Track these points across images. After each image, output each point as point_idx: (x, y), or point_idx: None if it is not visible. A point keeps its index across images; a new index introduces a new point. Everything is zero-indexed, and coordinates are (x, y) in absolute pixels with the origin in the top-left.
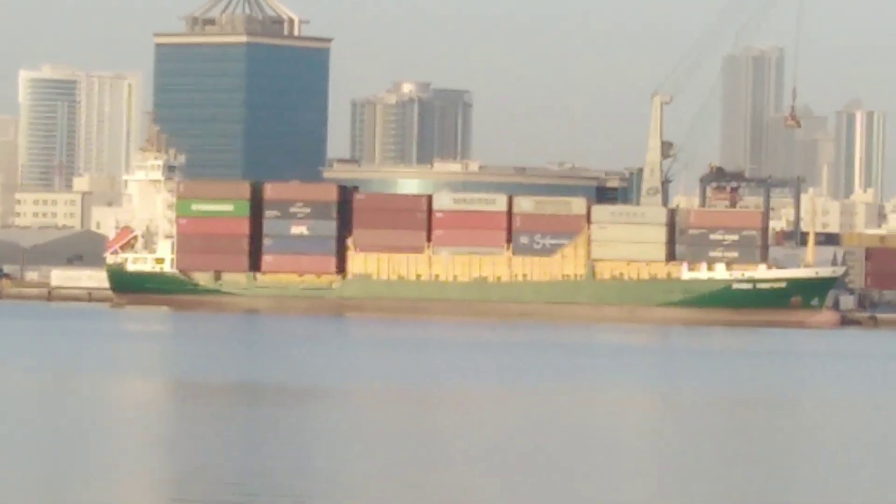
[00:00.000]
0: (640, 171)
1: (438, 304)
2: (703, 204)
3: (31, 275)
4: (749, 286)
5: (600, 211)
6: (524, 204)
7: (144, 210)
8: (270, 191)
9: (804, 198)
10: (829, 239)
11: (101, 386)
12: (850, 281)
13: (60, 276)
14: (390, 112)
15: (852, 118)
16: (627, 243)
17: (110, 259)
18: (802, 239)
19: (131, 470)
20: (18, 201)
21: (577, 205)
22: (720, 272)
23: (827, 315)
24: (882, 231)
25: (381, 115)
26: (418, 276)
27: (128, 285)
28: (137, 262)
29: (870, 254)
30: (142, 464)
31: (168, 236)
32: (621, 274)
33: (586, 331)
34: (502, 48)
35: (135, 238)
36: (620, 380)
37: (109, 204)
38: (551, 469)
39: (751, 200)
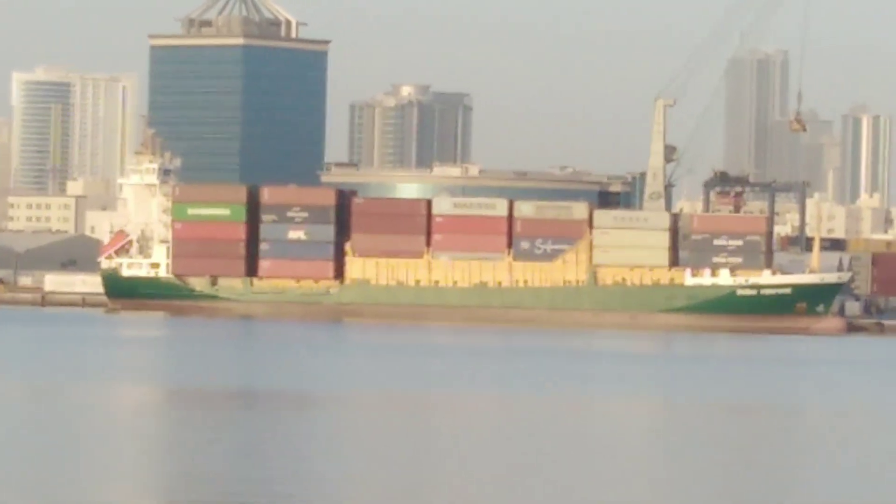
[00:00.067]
0: (643, 175)
1: (438, 309)
2: (706, 209)
3: (25, 280)
4: (753, 292)
5: (602, 216)
6: (525, 208)
7: (139, 214)
8: (267, 195)
9: (809, 203)
10: (834, 244)
11: (96, 392)
12: (855, 287)
13: (54, 281)
14: (389, 115)
15: (858, 122)
16: (630, 249)
17: (105, 264)
18: (807, 244)
19: (126, 476)
20: (11, 205)
21: (579, 209)
22: (724, 278)
23: (832, 321)
24: (888, 236)
25: (380, 118)
26: (417, 281)
27: (122, 290)
28: (132, 267)
29: (876, 259)
30: (136, 470)
31: (163, 241)
32: (624, 280)
33: (588, 337)
34: (503, 50)
35: (130, 243)
36: (622, 387)
37: (104, 208)
38: (550, 476)
39: (755, 205)
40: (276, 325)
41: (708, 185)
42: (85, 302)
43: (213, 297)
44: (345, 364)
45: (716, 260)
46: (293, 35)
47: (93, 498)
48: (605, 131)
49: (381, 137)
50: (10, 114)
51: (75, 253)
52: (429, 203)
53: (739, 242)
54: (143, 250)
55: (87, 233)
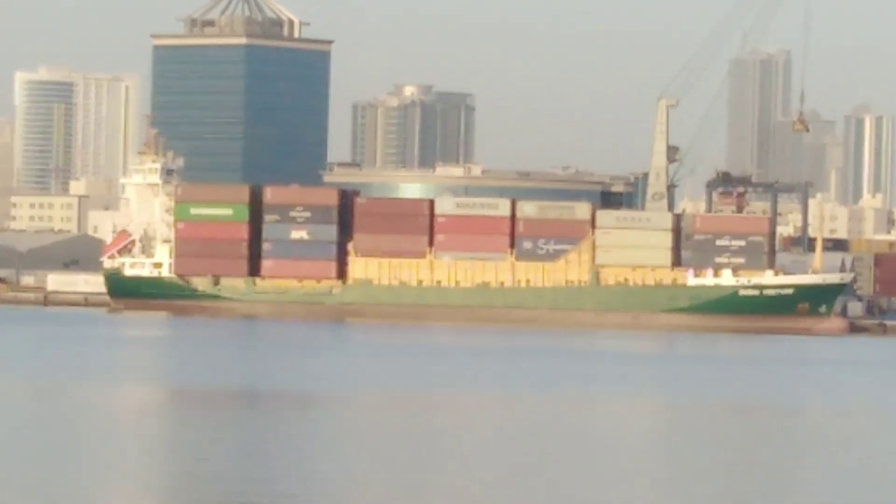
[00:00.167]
0: (646, 175)
1: (440, 309)
2: (709, 209)
3: (27, 279)
4: (756, 292)
5: (605, 216)
6: (528, 209)
7: (142, 214)
8: (270, 195)
9: (812, 203)
10: (837, 245)
11: (98, 392)
12: (858, 287)
13: (57, 281)
14: (392, 115)
15: (861, 123)
16: (632, 249)
17: (107, 263)
18: (810, 245)
19: (128, 476)
20: (14, 205)
21: (582, 210)
22: (726, 278)
23: (835, 322)
24: (891, 237)
25: (383, 118)
26: (420, 281)
27: (125, 290)
28: (135, 267)
29: (878, 260)
30: (139, 470)
31: (166, 241)
32: (626, 280)
33: (590, 337)
34: (505, 50)
35: (132, 242)
36: (624, 387)
37: (106, 208)
38: (553, 476)
39: (758, 206)
40: (279, 325)
41: (710, 186)
42: (87, 302)
43: (216, 297)
44: (347, 364)
45: (718, 260)
46: (296, 35)
47: (95, 498)
48: (608, 131)
49: (384, 137)
50: (12, 113)
51: (78, 253)
52: (431, 203)
53: (742, 243)
54: (146, 250)
55: (90, 232)
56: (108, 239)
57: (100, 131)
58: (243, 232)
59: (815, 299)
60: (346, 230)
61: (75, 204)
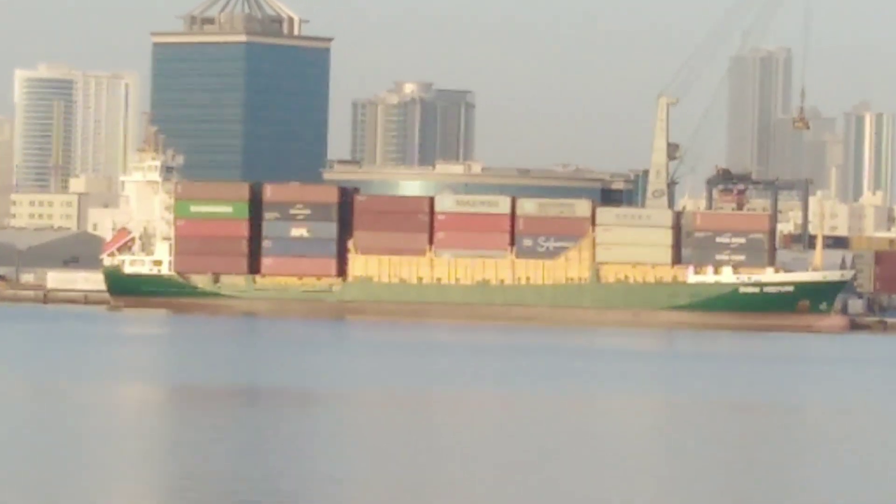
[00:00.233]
0: (646, 172)
1: (440, 307)
2: (709, 206)
3: (27, 277)
4: (756, 290)
5: (605, 213)
6: (528, 206)
7: (142, 212)
8: (270, 192)
9: (812, 200)
10: (837, 242)
11: (98, 390)
12: (858, 285)
13: (56, 279)
14: (392, 113)
15: (861, 120)
16: (633, 246)
17: (107, 261)
18: (810, 242)
19: (128, 475)
20: (14, 202)
21: (582, 207)
22: (727, 275)
23: (835, 319)
24: (891, 234)
25: (383, 115)
26: (420, 278)
27: (125, 288)
28: (135, 265)
29: (879, 257)
30: (139, 468)
31: (166, 238)
32: (626, 277)
33: (590, 335)
34: (506, 48)
35: (132, 240)
36: (625, 384)
37: (106, 205)
38: (553, 473)
39: (758, 203)
40: (279, 322)
41: (711, 183)
42: (87, 299)
43: (216, 295)
44: (347, 361)
45: (718, 257)
46: (296, 32)
47: (96, 496)
48: (608, 129)
49: (384, 135)
50: (12, 111)
51: (77, 250)
52: (431, 200)
53: (742, 240)
54: (146, 248)
55: (90, 230)
56: (108, 236)
57: (99, 129)
58: (243, 229)
59: (816, 297)
60: (346, 227)
61: (75, 201)
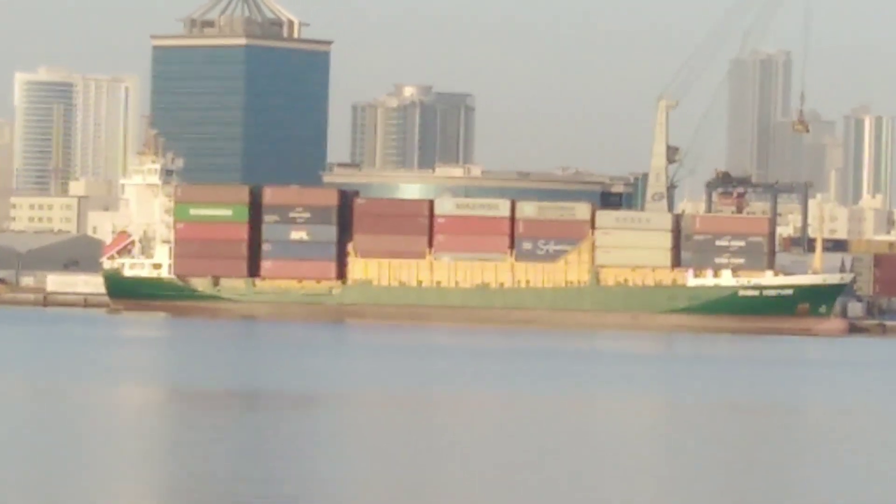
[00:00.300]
0: (646, 176)
1: (440, 310)
2: (709, 209)
3: (27, 280)
4: (755, 293)
5: (605, 216)
6: (527, 209)
7: (142, 215)
8: (270, 195)
9: (812, 203)
10: (836, 245)
11: (98, 393)
12: (858, 288)
13: (56, 282)
14: (391, 116)
15: (861, 123)
16: (632, 249)
17: (107, 264)
18: (810, 245)
19: (128, 477)
20: (14, 205)
21: (582, 210)
22: (726, 279)
23: (835, 323)
24: (891, 237)
25: (382, 118)
26: (420, 282)
27: (124, 291)
28: (134, 268)
29: (878, 260)
30: (139, 471)
31: (166, 241)
32: (626, 280)
33: (590, 338)
34: (505, 51)
35: (132, 243)
36: (624, 387)
37: (106, 208)
38: (553, 476)
39: (757, 206)
40: (278, 325)
41: (710, 186)
42: (87, 302)
43: (216, 298)
44: (347, 365)
45: (718, 261)
46: (295, 35)
47: (95, 498)
48: (608, 132)
49: (384, 138)
50: (12, 114)
51: (77, 253)
52: (431, 204)
53: (741, 243)
54: (146, 251)
55: (90, 233)
56: (108, 240)
57: (99, 132)
58: (243, 232)
59: (815, 300)
60: (345, 231)
61: (75, 205)
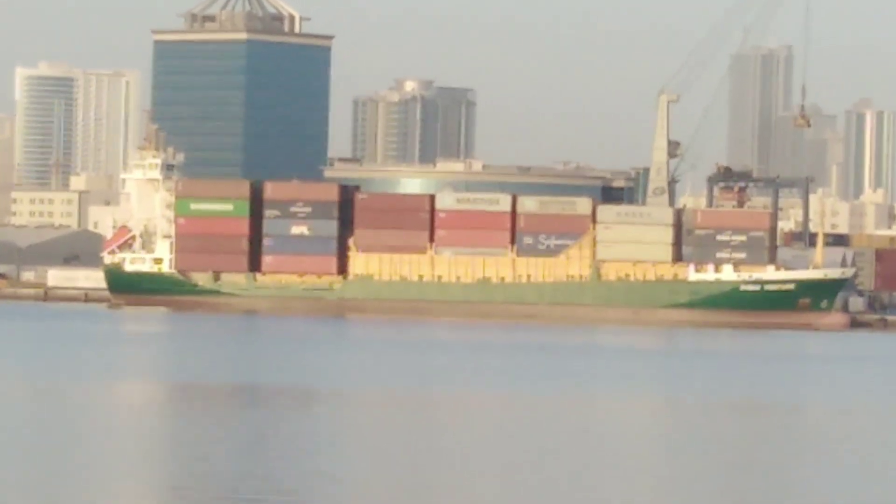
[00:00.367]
0: (647, 170)
1: (441, 305)
2: (710, 204)
3: (28, 275)
4: (757, 288)
5: (606, 211)
6: (528, 204)
7: (142, 209)
8: (271, 190)
9: (813, 198)
10: (838, 240)
11: (98, 388)
12: (859, 283)
13: (57, 277)
14: (392, 110)
15: (862, 118)
16: (633, 244)
17: (108, 259)
18: (811, 240)
19: (128, 473)
20: (14, 200)
21: (583, 205)
22: (727, 273)
23: (836, 317)
24: (892, 232)
25: (384, 113)
26: (421, 276)
27: (125, 286)
28: (135, 263)
29: (880, 255)
30: (139, 467)
31: (166, 236)
32: (627, 275)
33: (591, 333)
34: (507, 46)
35: (133, 238)
36: (625, 382)
37: (107, 203)
38: (553, 472)
39: (759, 201)
40: (279, 320)
41: (711, 181)
42: (87, 297)
43: (216, 293)
44: (348, 359)
45: (719, 255)
46: (296, 30)
47: (96, 495)
48: (609, 127)
49: (385, 133)
50: (13, 109)
51: (78, 248)
52: (432, 198)
53: (743, 238)
54: (146, 245)
55: (90, 228)
56: (109, 234)
57: (100, 127)
58: (244, 227)
59: (817, 294)
60: (346, 225)
61: (76, 199)
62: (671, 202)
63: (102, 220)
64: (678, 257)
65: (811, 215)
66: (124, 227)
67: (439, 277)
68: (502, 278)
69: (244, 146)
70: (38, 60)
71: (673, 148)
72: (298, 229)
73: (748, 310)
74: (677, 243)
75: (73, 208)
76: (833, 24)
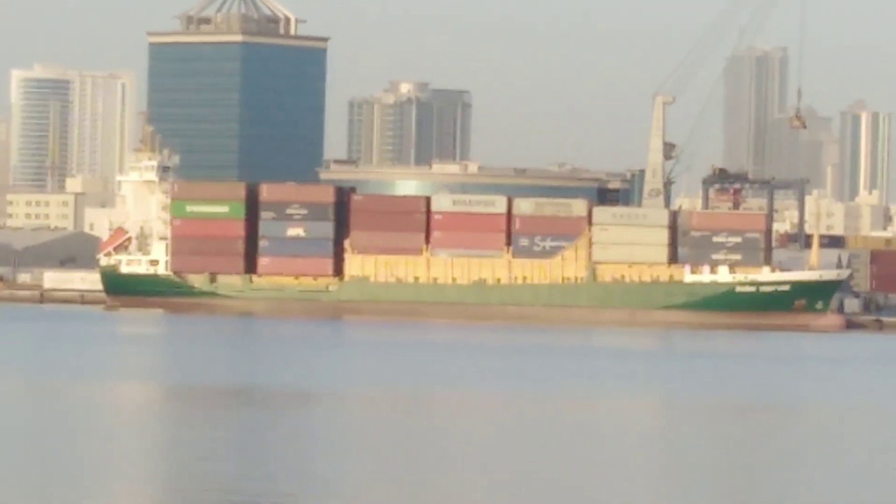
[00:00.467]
0: (642, 172)
1: (437, 307)
2: (705, 206)
3: (24, 277)
4: (752, 289)
5: (601, 213)
6: (524, 205)
7: (138, 211)
8: (266, 192)
9: (808, 200)
10: (833, 241)
11: (95, 390)
12: (855, 284)
13: (53, 279)
14: (388, 112)
15: (857, 119)
16: (629, 245)
17: (104, 261)
18: (807, 241)
19: (125, 475)
20: (10, 202)
21: (578, 206)
22: (723, 275)
23: (831, 318)
24: (887, 233)
25: (379, 115)
26: (416, 278)
27: (121, 287)
28: (131, 264)
29: (875, 256)
30: (136, 468)
31: (162, 238)
32: (623, 276)
33: (587, 334)
34: (502, 48)
35: (129, 240)
36: (621, 384)
37: (103, 205)
38: (550, 473)
39: (754, 202)
40: (276, 322)
41: (707, 182)
42: (84, 299)
43: (212, 295)
44: (344, 361)
45: (715, 257)
46: (292, 32)
47: (93, 497)
48: (604, 128)
49: (380, 134)
50: (8, 111)
51: (74, 250)
52: (428, 200)
53: (738, 239)
54: (142, 247)
55: (86, 230)
56: (105, 236)
57: (96, 129)
58: (239, 229)
59: (812, 296)
60: (342, 227)
61: (71, 201)
62: (667, 204)
63: (98, 222)
64: (674, 259)
65: (807, 217)
66: (120, 228)
67: (435, 279)
68: (498, 280)
69: (240, 148)
70: (33, 62)
71: (668, 149)
72: (294, 231)
73: (744, 311)
74: (673, 245)
75: (69, 210)
76: (828, 25)
